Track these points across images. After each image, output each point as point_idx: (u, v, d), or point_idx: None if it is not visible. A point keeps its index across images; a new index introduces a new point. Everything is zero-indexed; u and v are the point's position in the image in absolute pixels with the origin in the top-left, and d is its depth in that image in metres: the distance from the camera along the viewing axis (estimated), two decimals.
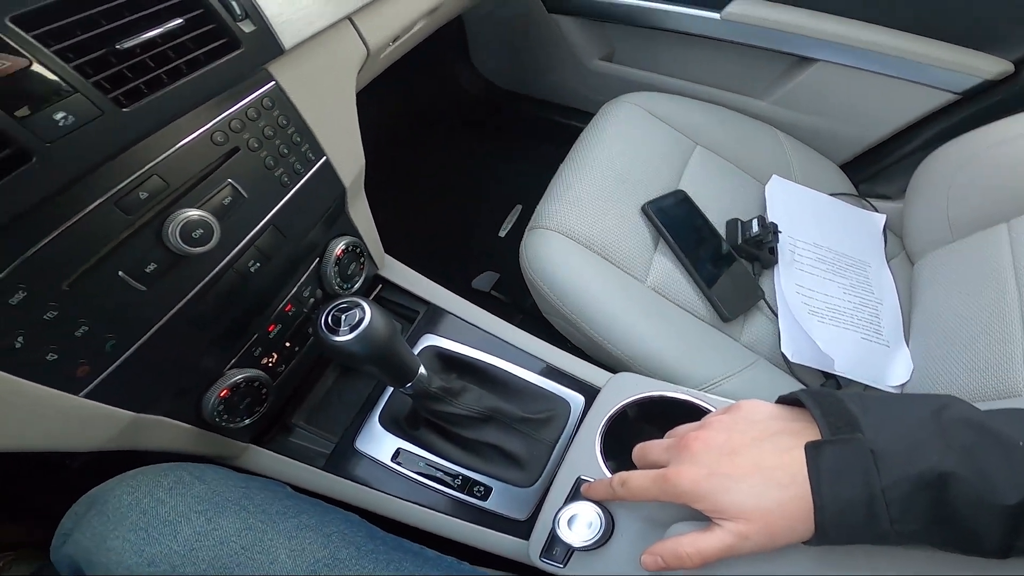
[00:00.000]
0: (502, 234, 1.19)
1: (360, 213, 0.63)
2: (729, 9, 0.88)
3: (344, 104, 0.56)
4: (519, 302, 1.03)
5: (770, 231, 0.75)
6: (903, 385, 0.70)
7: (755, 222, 0.76)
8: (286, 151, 0.48)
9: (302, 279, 0.56)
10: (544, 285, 0.67)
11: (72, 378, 0.38)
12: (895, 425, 0.32)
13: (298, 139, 0.49)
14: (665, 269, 0.72)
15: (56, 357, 0.36)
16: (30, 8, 0.33)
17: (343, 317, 0.41)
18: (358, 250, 0.61)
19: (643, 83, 1.08)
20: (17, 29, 0.32)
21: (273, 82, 0.47)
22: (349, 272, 0.60)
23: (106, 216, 0.37)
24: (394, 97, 1.17)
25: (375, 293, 0.69)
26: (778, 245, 0.76)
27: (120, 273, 0.38)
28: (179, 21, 0.39)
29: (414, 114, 1.39)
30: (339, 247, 0.58)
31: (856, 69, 0.85)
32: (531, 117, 1.35)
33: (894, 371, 0.71)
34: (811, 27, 0.84)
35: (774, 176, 0.86)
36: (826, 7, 0.84)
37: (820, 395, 0.35)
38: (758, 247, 0.75)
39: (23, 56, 0.32)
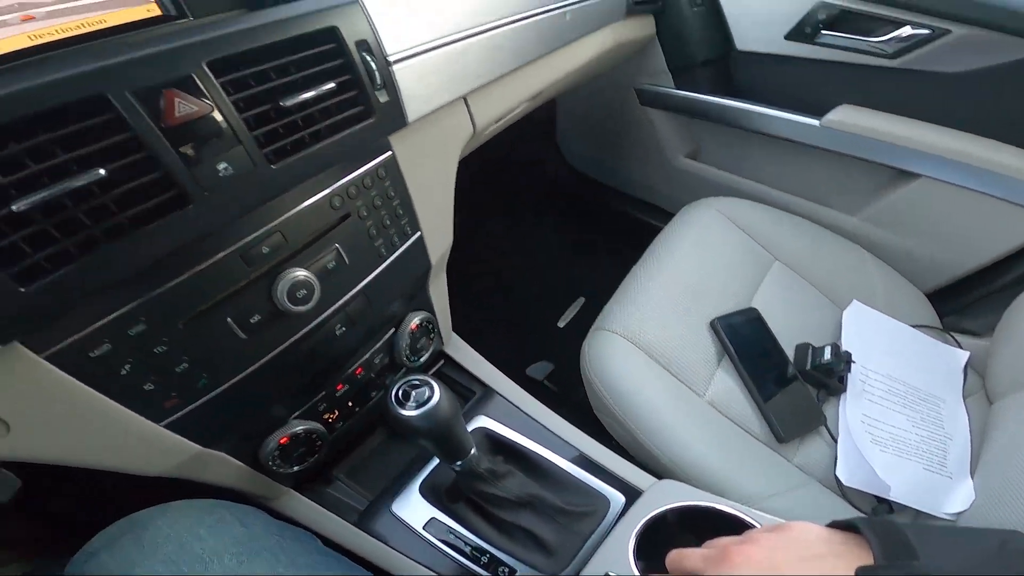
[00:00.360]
0: (561, 324, 1.18)
1: (438, 290, 0.65)
2: (830, 116, 0.87)
3: (445, 181, 0.59)
4: (569, 394, 1.02)
5: (843, 360, 0.71)
6: (960, 514, 0.65)
7: (828, 350, 0.72)
8: (388, 223, 0.50)
9: (376, 346, 0.58)
10: (602, 386, 0.67)
11: (159, 408, 0.40)
12: (954, 556, 0.30)
13: (400, 212, 0.52)
14: (725, 385, 0.70)
15: (152, 387, 0.38)
16: (223, 55, 0.35)
17: (413, 393, 0.43)
18: (430, 326, 0.63)
19: (726, 185, 1.08)
20: (209, 73, 0.35)
21: (390, 152, 0.50)
22: (419, 346, 0.62)
23: (230, 266, 0.40)
24: (473, 169, 1.22)
25: (437, 367, 0.70)
26: (849, 375, 0.73)
27: (228, 319, 0.41)
28: (331, 85, 0.41)
29: (490, 188, 1.42)
30: (414, 321, 0.60)
31: (961, 188, 0.79)
32: (609, 208, 1.35)
33: (953, 500, 0.66)
34: (918, 139, 0.80)
35: (855, 302, 0.81)
36: (936, 118, 0.80)
37: (878, 523, 0.33)
38: (827, 375, 0.72)
39: (207, 102, 0.35)
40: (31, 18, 0.38)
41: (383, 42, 0.46)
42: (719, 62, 1.05)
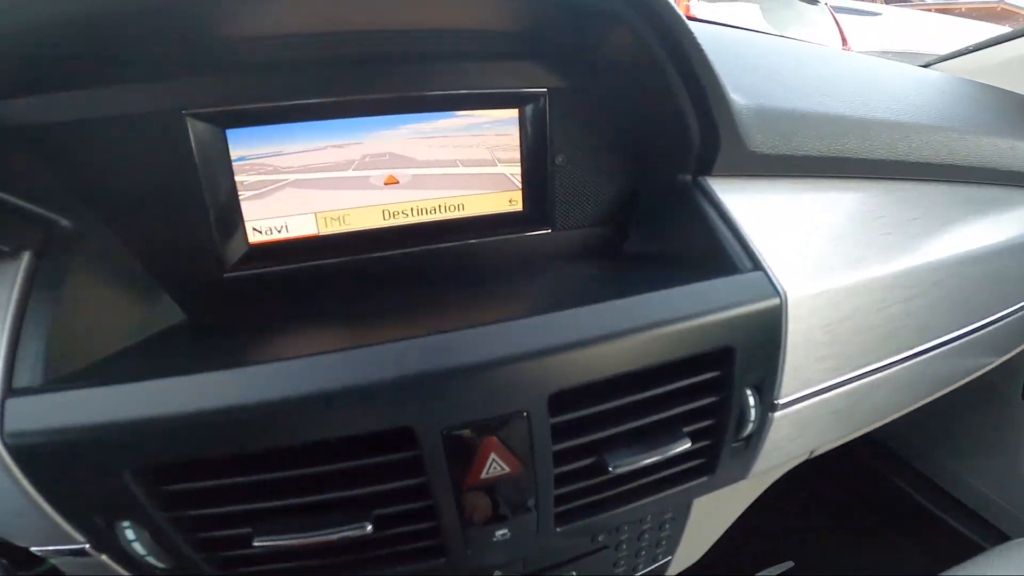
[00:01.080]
0: None
1: None
2: None
3: (738, 508, 0.46)
4: None
5: None
6: None
7: None
8: (643, 553, 0.40)
9: None
10: None
11: None
12: None
13: (663, 544, 0.41)
14: None
15: None
16: (573, 384, 0.27)
17: None
18: None
19: None
20: (547, 413, 0.26)
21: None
22: None
23: None
24: None
25: None
26: None
27: None
28: (686, 444, 0.30)
29: None
30: None
31: None
32: (894, 488, 0.99)
33: None
34: None
35: None
36: None
37: None
38: None
39: (521, 461, 0.27)
40: (395, 181, 0.35)
41: (782, 382, 0.31)
42: None
